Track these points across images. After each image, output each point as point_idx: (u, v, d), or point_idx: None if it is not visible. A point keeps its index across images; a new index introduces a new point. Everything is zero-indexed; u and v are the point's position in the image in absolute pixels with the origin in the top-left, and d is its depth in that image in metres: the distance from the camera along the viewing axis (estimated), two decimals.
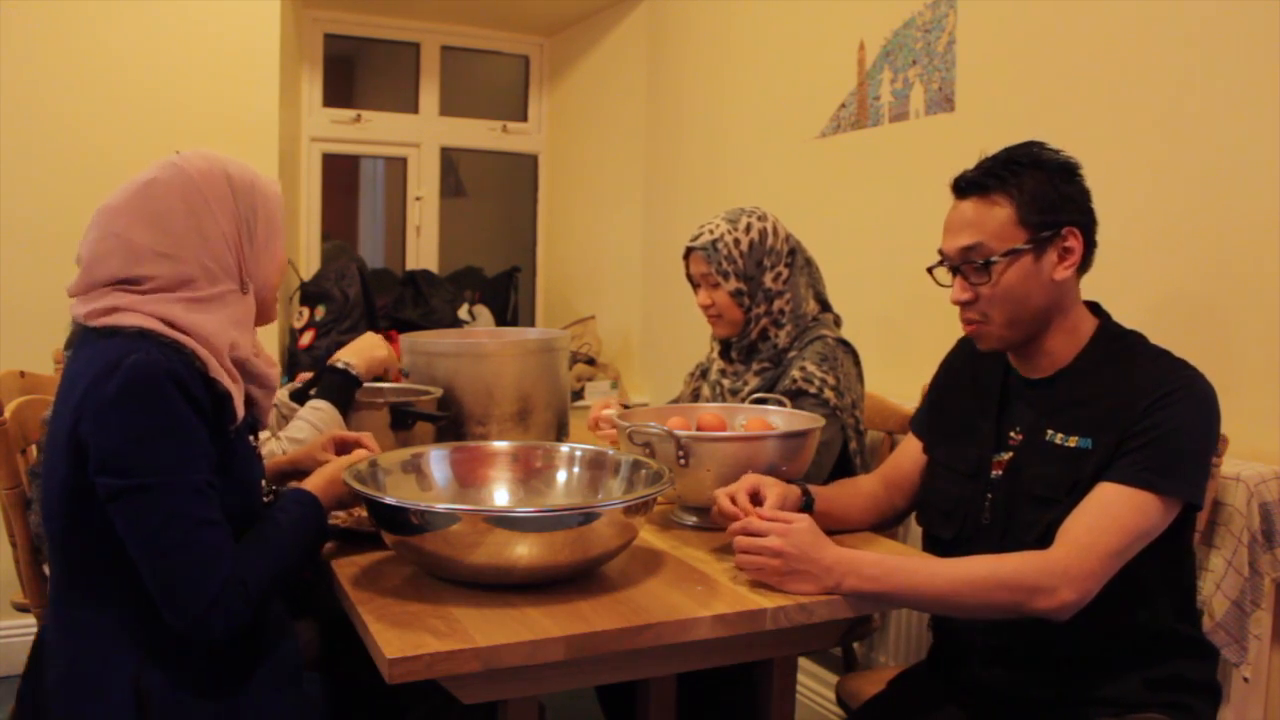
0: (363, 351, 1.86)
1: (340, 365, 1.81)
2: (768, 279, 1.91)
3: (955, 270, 1.41)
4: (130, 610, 1.21)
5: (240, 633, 1.20)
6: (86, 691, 1.20)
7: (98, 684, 1.20)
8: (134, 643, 1.21)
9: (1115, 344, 1.41)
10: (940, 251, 1.44)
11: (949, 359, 1.64)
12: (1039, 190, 1.36)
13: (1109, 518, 1.27)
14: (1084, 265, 1.40)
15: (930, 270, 1.48)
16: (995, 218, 1.37)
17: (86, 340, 1.23)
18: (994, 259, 1.36)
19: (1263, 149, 1.64)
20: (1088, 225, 1.39)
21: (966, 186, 1.40)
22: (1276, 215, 1.63)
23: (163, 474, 1.15)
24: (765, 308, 1.92)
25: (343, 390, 1.78)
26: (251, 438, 1.37)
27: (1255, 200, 1.66)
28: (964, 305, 1.42)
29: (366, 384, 1.86)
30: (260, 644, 1.30)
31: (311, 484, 1.37)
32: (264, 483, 1.41)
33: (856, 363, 1.93)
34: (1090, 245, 1.39)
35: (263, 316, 1.37)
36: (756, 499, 1.43)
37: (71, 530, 1.22)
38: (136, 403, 1.15)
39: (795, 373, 1.85)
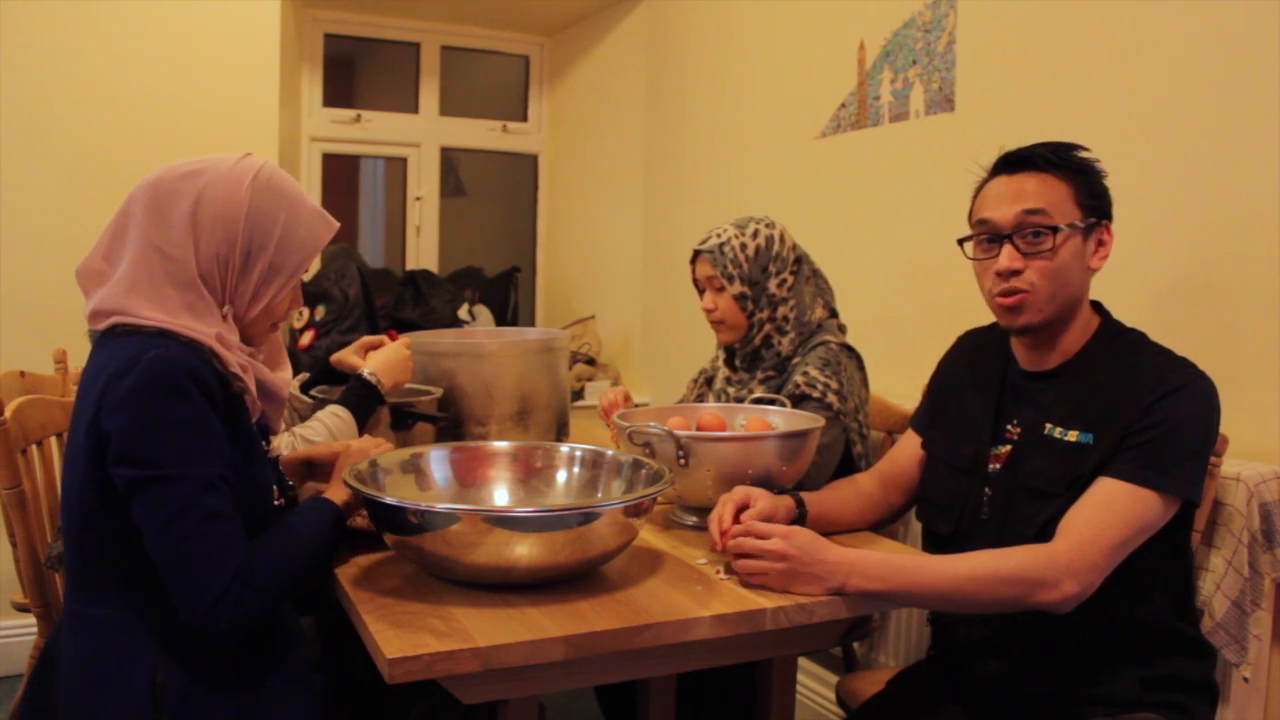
0: (392, 369, 1.84)
1: (370, 379, 1.79)
2: (772, 285, 1.91)
3: (1004, 239, 1.39)
4: (148, 607, 1.22)
5: (251, 628, 1.20)
6: (103, 688, 1.21)
7: (114, 681, 1.20)
8: (151, 639, 1.22)
9: (1117, 341, 1.41)
10: (983, 220, 1.42)
11: (948, 356, 1.65)
12: (1088, 179, 1.40)
13: (1111, 512, 1.27)
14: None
15: (961, 242, 1.47)
16: (1058, 191, 1.38)
17: (107, 338, 1.25)
18: (1060, 226, 1.37)
19: (1263, 147, 1.64)
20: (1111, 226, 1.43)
21: (1023, 159, 1.40)
22: (1277, 212, 1.63)
23: (177, 465, 1.17)
24: (769, 313, 1.91)
25: (365, 403, 1.78)
26: (264, 443, 1.39)
27: (1255, 198, 1.66)
28: (1010, 275, 1.39)
29: None
30: (273, 642, 1.31)
31: (332, 491, 1.38)
32: (275, 488, 1.42)
33: (861, 367, 1.93)
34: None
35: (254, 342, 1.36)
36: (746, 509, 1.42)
37: (90, 526, 1.22)
38: (155, 396, 1.17)
39: (798, 378, 1.85)
